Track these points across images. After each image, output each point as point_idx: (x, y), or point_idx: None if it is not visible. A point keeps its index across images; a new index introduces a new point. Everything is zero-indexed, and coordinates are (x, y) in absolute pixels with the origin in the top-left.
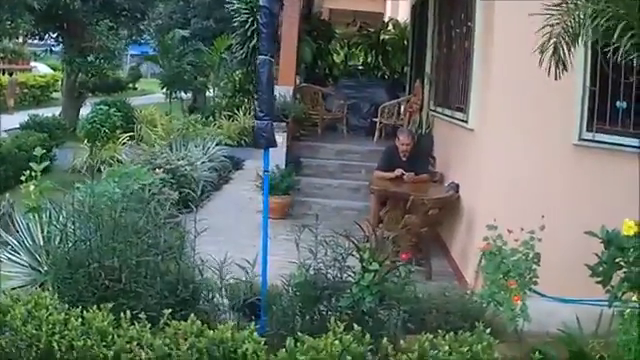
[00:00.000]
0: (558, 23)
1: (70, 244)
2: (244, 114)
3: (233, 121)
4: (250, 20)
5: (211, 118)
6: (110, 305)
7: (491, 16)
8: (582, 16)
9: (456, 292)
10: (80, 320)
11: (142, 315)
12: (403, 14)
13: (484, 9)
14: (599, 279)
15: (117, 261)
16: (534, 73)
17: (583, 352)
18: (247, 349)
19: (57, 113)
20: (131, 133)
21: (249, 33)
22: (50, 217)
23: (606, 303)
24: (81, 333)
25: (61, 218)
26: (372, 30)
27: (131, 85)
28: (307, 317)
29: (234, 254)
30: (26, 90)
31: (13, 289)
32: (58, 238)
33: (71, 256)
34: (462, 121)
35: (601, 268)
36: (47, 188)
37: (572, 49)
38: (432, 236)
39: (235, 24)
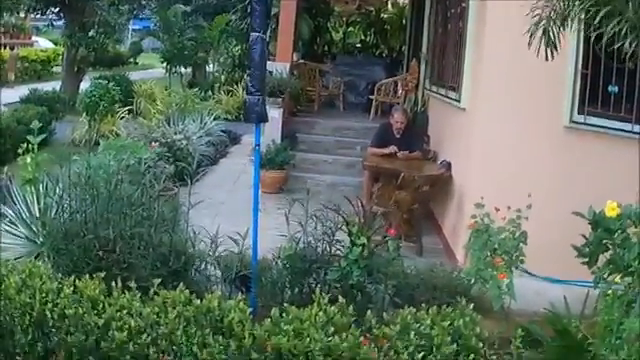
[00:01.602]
0: (547, 6)
1: (66, 215)
2: (243, 89)
3: (232, 96)
4: None
5: (210, 93)
6: (103, 275)
7: None
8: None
9: (444, 269)
10: (72, 289)
11: (132, 284)
12: None
13: None
14: (585, 260)
15: (111, 232)
16: (526, 54)
17: (568, 331)
18: (233, 318)
19: (57, 87)
20: (130, 107)
21: (249, 9)
22: (46, 189)
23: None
24: (73, 301)
25: (57, 190)
26: (371, 9)
27: (132, 60)
28: (296, 289)
29: (228, 227)
30: (27, 64)
31: (8, 260)
32: (54, 210)
33: (66, 227)
34: (455, 100)
35: (587, 249)
36: (44, 160)
37: (561, 31)
38: (423, 213)
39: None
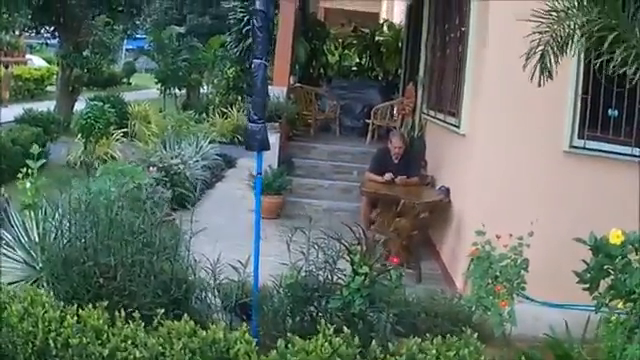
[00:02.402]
0: (547, 31)
1: (65, 241)
2: (238, 111)
3: (226, 119)
4: (246, 19)
5: (204, 115)
6: (105, 303)
7: (485, 22)
8: (572, 26)
9: (444, 296)
10: (76, 318)
11: (136, 314)
12: (398, 15)
13: (478, 14)
14: (586, 286)
15: (112, 259)
16: (526, 80)
17: (569, 356)
18: (239, 350)
19: (51, 106)
20: (125, 130)
21: (244, 31)
22: (45, 214)
23: (592, 308)
24: (76, 331)
25: (57, 215)
26: (367, 31)
27: (125, 80)
28: (297, 318)
29: (227, 254)
30: (21, 83)
31: (8, 284)
32: (53, 235)
33: (66, 253)
34: (454, 126)
35: (589, 275)
36: (43, 185)
37: (559, 58)
38: (422, 239)
39: (231, 21)
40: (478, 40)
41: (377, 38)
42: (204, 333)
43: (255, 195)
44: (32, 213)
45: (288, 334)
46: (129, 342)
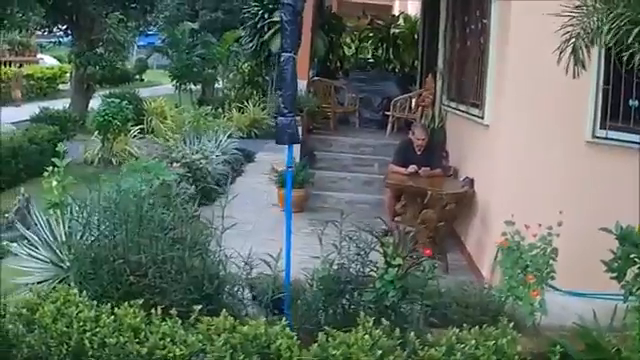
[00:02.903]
0: (578, 24)
1: (94, 239)
2: (254, 105)
3: (243, 113)
4: (260, 13)
5: (220, 110)
6: (140, 301)
7: (507, 14)
8: (601, 19)
9: (474, 286)
10: (112, 317)
11: (173, 311)
12: (412, 7)
13: (500, 7)
14: (614, 275)
15: (144, 257)
16: (548, 71)
17: (599, 345)
18: (280, 344)
19: (64, 105)
20: (141, 126)
21: (259, 26)
22: (71, 212)
23: (617, 297)
24: (113, 330)
25: (84, 214)
26: (382, 23)
27: (138, 76)
28: (331, 311)
29: (256, 248)
30: (33, 82)
31: (33, 284)
32: (80, 234)
33: (95, 252)
34: (477, 117)
35: (616, 264)
36: (70, 183)
37: (590, 50)
38: (448, 230)
39: (245, 15)
40: (500, 33)
41: (393, 30)
42: (244, 328)
43: (286, 188)
44: (58, 212)
45: (325, 327)
46: (167, 340)
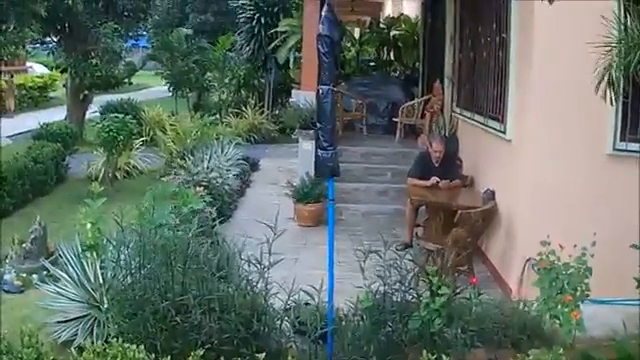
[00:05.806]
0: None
1: (134, 280)
2: (252, 110)
3: (241, 118)
4: (256, 17)
5: (217, 116)
6: (201, 352)
7: (529, 32)
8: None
9: (509, 304)
10: None
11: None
12: (407, 5)
13: (521, 24)
14: None
15: (191, 298)
16: (569, 86)
17: (631, 356)
18: None
19: (57, 114)
20: (143, 138)
21: (255, 30)
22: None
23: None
24: None
25: (121, 255)
26: (381, 26)
27: (126, 80)
28: (376, 341)
29: (280, 270)
30: (24, 92)
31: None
32: (120, 274)
33: (137, 293)
34: (499, 131)
35: None
36: (104, 223)
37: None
38: (475, 245)
39: (241, 20)
40: (521, 49)
41: (393, 32)
42: None
43: (328, 221)
44: (95, 254)
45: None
46: None
